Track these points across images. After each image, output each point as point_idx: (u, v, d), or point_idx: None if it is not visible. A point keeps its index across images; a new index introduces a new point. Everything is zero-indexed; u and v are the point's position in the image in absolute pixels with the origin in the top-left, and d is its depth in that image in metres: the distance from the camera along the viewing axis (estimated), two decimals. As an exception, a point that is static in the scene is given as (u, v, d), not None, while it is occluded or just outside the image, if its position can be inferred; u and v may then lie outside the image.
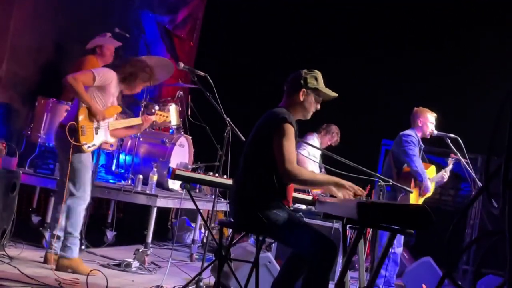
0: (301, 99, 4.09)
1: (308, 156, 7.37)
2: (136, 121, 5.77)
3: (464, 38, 9.13)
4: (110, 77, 5.19)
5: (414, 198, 6.23)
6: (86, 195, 5.14)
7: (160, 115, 6.07)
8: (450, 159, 6.68)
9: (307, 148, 7.56)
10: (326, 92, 4.15)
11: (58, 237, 5.16)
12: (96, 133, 5.17)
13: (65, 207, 5.07)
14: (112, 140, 5.56)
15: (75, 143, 4.97)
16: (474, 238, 7.95)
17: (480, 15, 9.14)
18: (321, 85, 4.14)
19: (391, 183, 4.99)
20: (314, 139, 7.91)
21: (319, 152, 7.82)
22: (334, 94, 4.19)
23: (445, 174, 6.65)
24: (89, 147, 5.13)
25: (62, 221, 5.12)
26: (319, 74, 4.17)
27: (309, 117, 4.20)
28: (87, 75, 5.08)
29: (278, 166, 3.81)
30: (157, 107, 6.76)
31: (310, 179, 3.96)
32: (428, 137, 6.51)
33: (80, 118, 5.02)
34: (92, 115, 5.08)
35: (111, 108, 5.30)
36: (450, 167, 6.72)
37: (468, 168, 6.41)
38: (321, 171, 7.71)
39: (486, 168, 2.09)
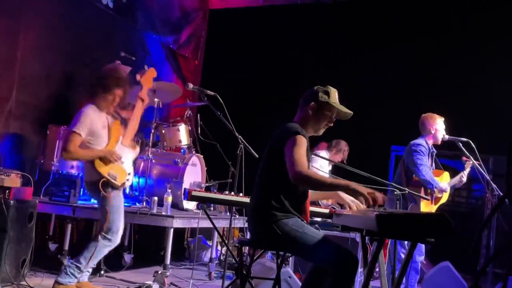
0: (310, 113, 4.10)
1: (319, 169, 7.38)
2: (139, 108, 5.53)
3: (473, 39, 9.09)
4: (88, 119, 5.12)
5: (426, 207, 6.22)
6: (117, 238, 5.19)
7: (145, 80, 5.72)
8: (467, 162, 6.64)
9: (319, 161, 7.58)
10: (339, 108, 4.12)
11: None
12: (123, 162, 5.25)
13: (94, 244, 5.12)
14: (137, 150, 5.59)
15: (117, 189, 5.15)
16: (500, 248, 7.86)
17: (491, 13, 9.11)
18: (333, 100, 4.12)
19: (407, 192, 4.98)
20: (324, 155, 7.93)
21: (328, 167, 7.87)
22: (348, 111, 4.16)
23: (463, 177, 6.62)
24: (128, 180, 5.28)
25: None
26: (332, 90, 4.15)
27: (320, 133, 4.20)
28: (74, 139, 5.05)
29: (289, 169, 3.76)
30: (138, 76, 5.94)
31: (321, 181, 3.83)
32: (440, 142, 6.49)
33: (101, 170, 5.08)
34: (105, 159, 5.12)
35: (113, 132, 5.28)
36: (467, 170, 6.66)
37: (481, 170, 6.41)
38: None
39: (508, 177, 2.10)
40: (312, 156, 7.36)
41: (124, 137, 5.36)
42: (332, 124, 4.18)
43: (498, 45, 8.81)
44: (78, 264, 5.05)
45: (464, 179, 6.64)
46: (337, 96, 4.18)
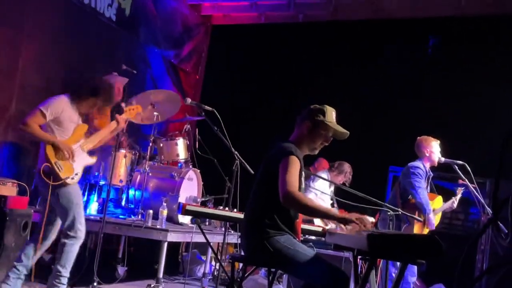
0: (306, 132, 4.12)
1: (318, 189, 7.39)
2: (111, 126, 5.50)
3: (473, 59, 9.15)
4: (60, 106, 5.02)
5: (418, 229, 6.25)
6: (81, 233, 5.06)
7: (130, 109, 5.72)
8: (459, 188, 6.70)
9: (319, 181, 7.60)
10: (335, 128, 4.13)
11: (17, 272, 5.03)
12: (74, 161, 5.06)
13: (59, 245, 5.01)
14: (93, 160, 5.37)
15: (56, 183, 4.90)
16: (486, 268, 7.90)
17: (487, 37, 9.17)
18: (329, 119, 4.12)
19: (400, 213, 5.00)
20: (325, 175, 7.95)
21: (330, 188, 7.88)
22: (345, 131, 4.17)
23: (454, 203, 6.69)
24: (72, 178, 5.02)
25: (28, 259, 5.05)
26: (328, 109, 4.16)
27: (316, 152, 4.21)
28: (35, 115, 4.92)
29: (280, 189, 3.77)
30: (123, 104, 6.03)
31: (311, 207, 3.84)
32: (436, 165, 6.53)
33: (50, 156, 4.91)
34: (57, 149, 4.95)
35: (76, 131, 5.15)
36: (459, 196, 6.76)
37: (477, 194, 6.43)
38: (332, 205, 7.74)
39: (494, 198, 2.12)
40: (312, 176, 7.40)
41: (85, 143, 5.22)
42: (327, 144, 4.19)
43: (496, 66, 8.85)
44: (58, 273, 5.00)
45: (455, 205, 6.72)
46: (334, 116, 4.18)
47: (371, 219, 3.95)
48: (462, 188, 6.67)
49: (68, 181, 4.98)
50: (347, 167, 8.22)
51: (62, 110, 5.03)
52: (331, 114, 4.16)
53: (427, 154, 6.50)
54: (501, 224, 5.02)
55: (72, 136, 5.11)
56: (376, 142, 9.42)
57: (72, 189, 5.04)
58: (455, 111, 9.03)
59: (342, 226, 3.99)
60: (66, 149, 4.98)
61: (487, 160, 8.09)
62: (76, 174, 5.07)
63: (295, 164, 3.88)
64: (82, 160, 5.16)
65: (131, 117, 5.80)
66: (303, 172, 4.02)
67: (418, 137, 6.62)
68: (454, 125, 8.67)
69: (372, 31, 9.99)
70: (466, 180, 6.43)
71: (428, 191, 6.60)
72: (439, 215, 6.65)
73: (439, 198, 6.70)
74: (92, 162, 5.45)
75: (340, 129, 4.16)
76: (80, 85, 5.26)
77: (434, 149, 6.50)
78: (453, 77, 9.25)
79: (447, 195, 6.88)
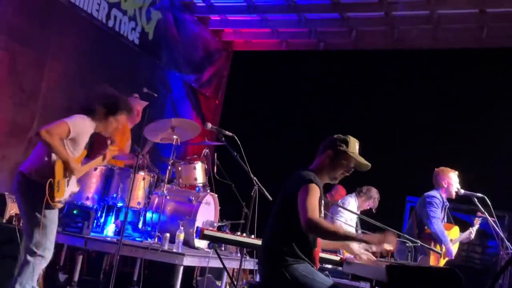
0: (327, 161, 4.13)
1: (345, 222, 7.35)
2: (98, 161, 5.38)
3: (490, 91, 9.13)
4: (84, 128, 4.89)
5: (434, 261, 6.18)
6: (49, 254, 4.75)
7: (112, 150, 5.49)
8: (476, 218, 6.64)
9: (344, 213, 7.57)
10: (357, 158, 4.14)
11: None
12: (67, 186, 4.86)
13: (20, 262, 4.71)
14: (78, 188, 5.15)
15: (51, 203, 4.67)
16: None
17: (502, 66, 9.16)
18: (351, 150, 4.13)
19: (419, 244, 4.96)
20: (352, 202, 7.91)
21: (354, 216, 7.83)
22: (366, 163, 4.17)
23: (472, 234, 6.62)
24: (60, 202, 4.83)
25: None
26: (352, 140, 4.17)
27: (336, 181, 4.22)
28: (62, 127, 4.72)
29: (301, 217, 3.78)
30: (109, 142, 5.80)
31: (331, 230, 3.86)
32: (454, 197, 6.49)
33: (57, 173, 4.70)
34: (66, 169, 4.75)
35: (80, 157, 5.01)
36: (476, 226, 6.69)
37: (496, 227, 6.37)
38: (357, 231, 7.69)
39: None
40: (335, 207, 7.36)
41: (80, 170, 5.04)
42: (348, 174, 4.20)
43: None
44: None
45: (473, 236, 6.63)
46: (357, 147, 4.19)
47: (390, 247, 3.91)
48: (480, 219, 6.60)
49: (58, 204, 4.79)
50: (375, 192, 8.16)
51: (83, 131, 4.91)
52: (354, 145, 4.17)
53: (445, 186, 6.46)
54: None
55: (78, 158, 4.97)
56: (393, 172, 9.38)
57: (55, 212, 4.82)
58: (476, 144, 8.98)
59: (364, 252, 3.98)
60: (74, 168, 4.78)
61: (506, 193, 8.05)
62: (65, 199, 4.88)
63: (314, 191, 3.89)
64: (71, 186, 4.96)
65: (115, 153, 5.62)
66: (322, 201, 4.03)
67: (436, 168, 6.59)
68: (475, 158, 8.62)
69: (393, 61, 10.01)
70: (486, 213, 6.37)
71: (445, 221, 6.55)
72: (457, 245, 6.59)
73: (456, 228, 6.64)
74: (76, 191, 5.20)
75: (363, 160, 4.16)
76: (96, 103, 5.03)
77: (452, 180, 6.46)
78: (474, 110, 9.22)
79: (464, 227, 6.82)
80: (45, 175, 4.69)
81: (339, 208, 7.38)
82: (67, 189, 4.86)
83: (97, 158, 5.34)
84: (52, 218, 4.76)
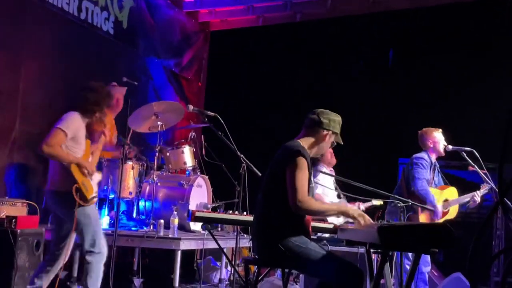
0: (320, 139, 4.19)
1: (324, 185, 7.26)
2: (103, 141, 5.51)
3: (476, 47, 9.09)
4: (78, 124, 5.01)
5: (425, 219, 6.16)
6: (104, 249, 5.04)
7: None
8: (483, 184, 6.51)
9: (319, 176, 7.48)
10: (339, 138, 4.28)
11: None
12: (92, 180, 5.07)
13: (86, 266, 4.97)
14: (100, 175, 5.40)
15: (85, 204, 4.90)
16: (499, 250, 7.84)
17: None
18: (338, 129, 4.26)
19: (410, 203, 4.97)
20: (324, 167, 7.84)
21: (332, 179, 7.74)
22: (341, 142, 4.32)
23: (476, 197, 6.46)
24: (94, 197, 5.06)
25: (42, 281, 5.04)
26: (338, 120, 4.25)
27: (320, 156, 4.32)
28: (58, 134, 4.88)
29: (289, 197, 3.86)
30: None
31: (319, 210, 4.02)
32: (444, 154, 6.47)
33: (77, 176, 4.89)
34: (81, 168, 4.94)
35: (87, 149, 5.14)
36: (483, 191, 6.49)
37: (487, 179, 6.34)
38: (339, 196, 7.64)
39: (500, 180, 2.09)
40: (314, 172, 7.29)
41: (93, 159, 5.25)
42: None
43: (502, 46, 8.76)
44: None
45: (478, 199, 6.48)
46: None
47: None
48: (487, 186, 6.48)
49: (93, 200, 5.03)
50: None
51: (77, 127, 5.02)
52: (340, 124, 4.27)
53: (431, 145, 6.45)
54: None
55: (84, 153, 5.11)
56: (385, 135, 9.38)
57: (91, 208, 5.03)
58: (463, 98, 8.96)
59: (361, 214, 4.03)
60: (87, 167, 4.99)
61: (496, 145, 8.05)
62: (96, 192, 5.12)
63: (303, 167, 3.91)
64: (95, 177, 5.15)
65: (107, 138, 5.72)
66: (312, 171, 4.05)
67: (419, 131, 6.58)
68: (463, 111, 8.60)
69: (376, 26, 9.95)
70: (476, 166, 6.34)
71: (437, 183, 6.52)
72: (456, 206, 6.52)
73: (452, 189, 6.57)
74: (100, 178, 5.46)
75: (340, 140, 4.30)
76: (83, 98, 5.17)
77: (437, 138, 6.44)
78: (459, 63, 9.18)
79: (462, 187, 6.77)
80: (69, 182, 4.88)
81: (317, 172, 7.23)
82: (93, 183, 5.08)
83: (100, 139, 5.45)
84: (93, 214, 5.03)
